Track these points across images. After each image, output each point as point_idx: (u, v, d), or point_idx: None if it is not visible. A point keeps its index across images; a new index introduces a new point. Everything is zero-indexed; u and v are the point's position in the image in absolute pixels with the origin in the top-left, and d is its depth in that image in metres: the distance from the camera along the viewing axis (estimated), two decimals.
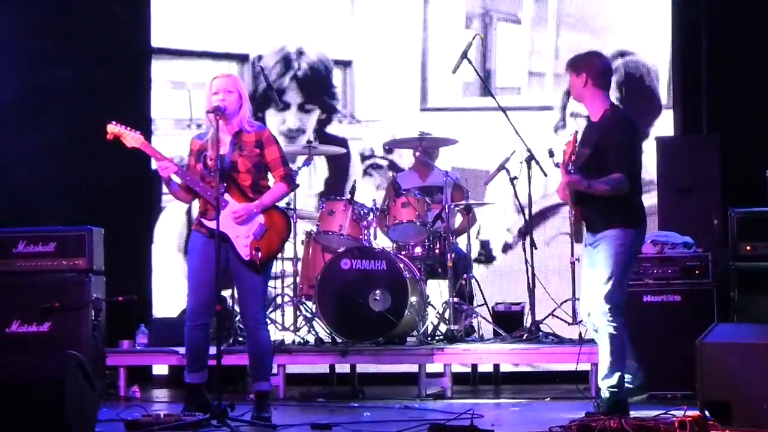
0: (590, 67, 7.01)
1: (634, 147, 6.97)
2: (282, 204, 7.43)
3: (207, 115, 6.84)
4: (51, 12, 10.19)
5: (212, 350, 6.83)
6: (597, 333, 6.85)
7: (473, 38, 9.21)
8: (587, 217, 6.91)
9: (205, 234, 6.84)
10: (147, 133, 7.09)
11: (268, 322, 8.02)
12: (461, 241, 9.39)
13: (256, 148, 6.87)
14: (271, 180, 7.01)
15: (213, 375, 6.80)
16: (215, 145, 6.75)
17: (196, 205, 7.12)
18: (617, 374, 6.73)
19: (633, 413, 6.39)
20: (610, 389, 6.71)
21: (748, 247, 8.04)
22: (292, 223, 8.65)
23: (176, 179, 6.89)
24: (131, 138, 6.95)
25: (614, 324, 6.73)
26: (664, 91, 10.25)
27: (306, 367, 9.11)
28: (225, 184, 6.78)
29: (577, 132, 6.82)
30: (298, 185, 7.27)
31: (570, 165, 6.75)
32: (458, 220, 9.42)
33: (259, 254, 6.77)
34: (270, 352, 7.06)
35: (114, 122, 7.00)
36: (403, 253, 8.98)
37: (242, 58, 10.59)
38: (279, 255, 8.13)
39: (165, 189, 7.19)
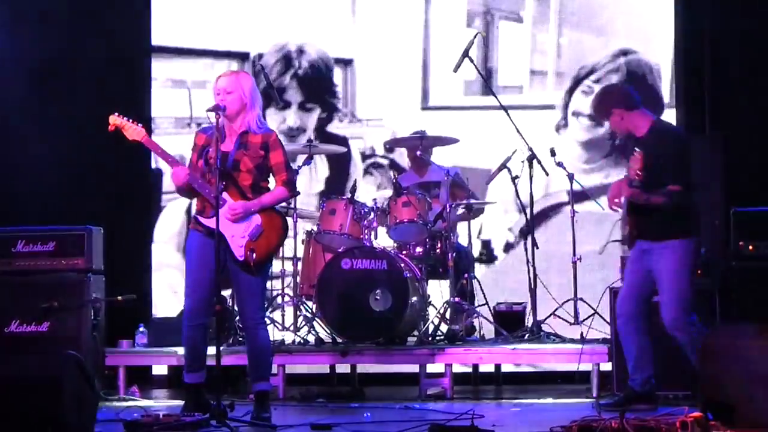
0: (616, 101, 7.29)
1: (687, 157, 7.20)
2: (282, 204, 7.40)
3: (207, 114, 6.80)
4: (52, 10, 10.16)
5: (212, 350, 6.80)
6: (680, 342, 7.15)
7: (474, 37, 9.19)
8: (645, 226, 7.14)
9: (202, 233, 6.82)
10: (147, 132, 7.05)
11: (268, 321, 8.00)
12: (462, 241, 9.36)
13: (261, 150, 6.84)
14: (272, 183, 6.98)
15: (212, 375, 6.77)
16: (216, 143, 6.71)
17: (194, 203, 7.09)
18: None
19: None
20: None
21: (750, 247, 8.02)
22: (291, 224, 8.64)
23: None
24: (133, 130, 6.93)
25: (692, 328, 7.10)
26: (666, 89, 10.23)
27: (306, 367, 9.10)
28: (224, 183, 6.75)
29: (642, 152, 6.88)
30: (298, 192, 7.25)
31: (635, 180, 6.90)
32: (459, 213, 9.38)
33: (254, 255, 6.74)
34: (269, 352, 7.03)
35: (117, 113, 6.97)
36: (404, 252, 8.95)
37: (243, 57, 10.56)
38: (278, 255, 8.10)
39: (165, 188, 7.19)
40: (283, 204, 8.59)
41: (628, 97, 7.33)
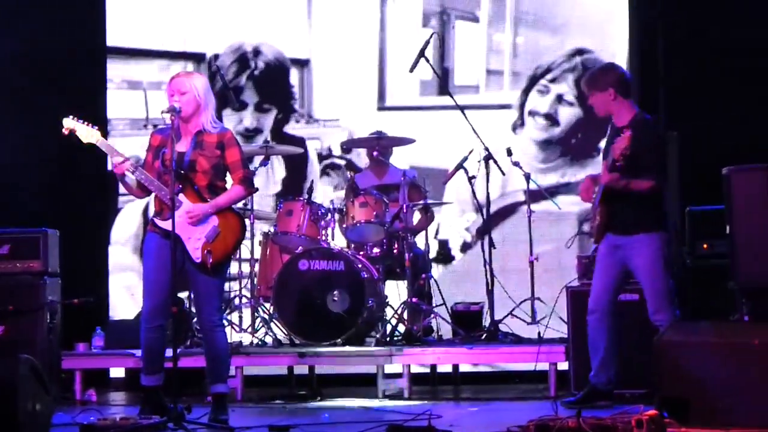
0: (615, 81, 7.29)
1: (665, 151, 7.37)
2: (239, 204, 7.38)
3: (162, 115, 6.76)
4: (5, 10, 10.08)
5: (169, 352, 6.77)
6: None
7: (430, 37, 9.21)
8: (617, 218, 7.17)
9: (159, 234, 6.78)
10: (103, 134, 7.00)
11: (225, 323, 7.97)
12: (419, 241, 9.38)
13: (217, 149, 6.81)
14: (229, 182, 6.96)
15: (170, 377, 6.74)
16: (171, 144, 6.68)
17: (152, 205, 7.05)
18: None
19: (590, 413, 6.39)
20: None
21: (704, 245, 8.07)
22: (249, 224, 8.62)
23: (131, 177, 6.82)
24: (87, 133, 6.87)
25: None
26: None
27: (264, 368, 9.07)
28: (180, 185, 6.72)
29: (630, 133, 6.89)
30: (256, 189, 7.21)
31: (618, 161, 6.94)
32: (416, 218, 9.40)
33: (210, 258, 6.71)
34: (227, 354, 7.00)
35: (71, 116, 6.91)
36: (361, 253, 8.95)
37: (199, 58, 10.53)
38: (235, 256, 8.07)
39: (122, 189, 7.13)
40: (240, 205, 8.58)
41: (627, 84, 7.37)
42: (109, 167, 9.98)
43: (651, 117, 7.42)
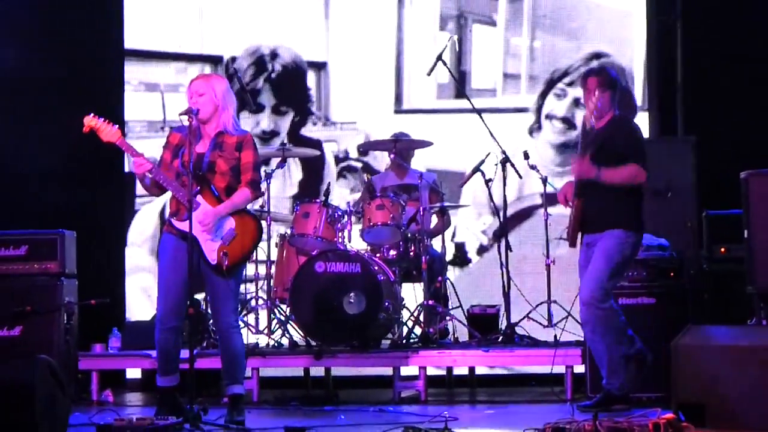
0: (617, 87, 7.43)
1: (644, 146, 7.35)
2: (255, 207, 7.39)
3: (179, 117, 6.77)
4: (25, 13, 10.12)
5: (186, 354, 6.78)
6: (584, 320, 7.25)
7: (448, 41, 9.20)
8: (589, 216, 7.21)
9: (176, 235, 6.78)
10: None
11: (241, 325, 7.97)
12: (436, 244, 9.38)
13: (236, 150, 6.82)
14: None
15: (186, 379, 6.74)
16: (189, 146, 6.68)
17: (168, 206, 7.04)
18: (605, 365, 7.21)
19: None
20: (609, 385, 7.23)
21: (722, 249, 8.05)
22: (265, 227, 8.62)
23: (149, 176, 6.83)
24: (108, 132, 6.87)
25: (602, 311, 7.16)
26: (639, 92, 10.26)
27: (280, 370, 9.07)
28: (198, 187, 6.73)
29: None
30: (263, 193, 7.21)
31: (591, 119, 7.19)
32: (433, 221, 9.40)
33: (226, 260, 6.72)
34: (243, 356, 7.00)
35: (92, 115, 6.92)
36: (378, 255, 8.95)
37: (216, 60, 10.55)
38: (251, 258, 8.08)
39: (139, 190, 7.14)
40: (257, 207, 8.60)
41: (623, 95, 7.52)
42: (127, 168, 10.15)
43: (628, 116, 7.57)
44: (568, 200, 7.37)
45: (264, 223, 8.50)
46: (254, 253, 7.61)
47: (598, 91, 7.31)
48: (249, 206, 6.99)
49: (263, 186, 8.54)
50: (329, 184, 9.24)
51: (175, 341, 6.86)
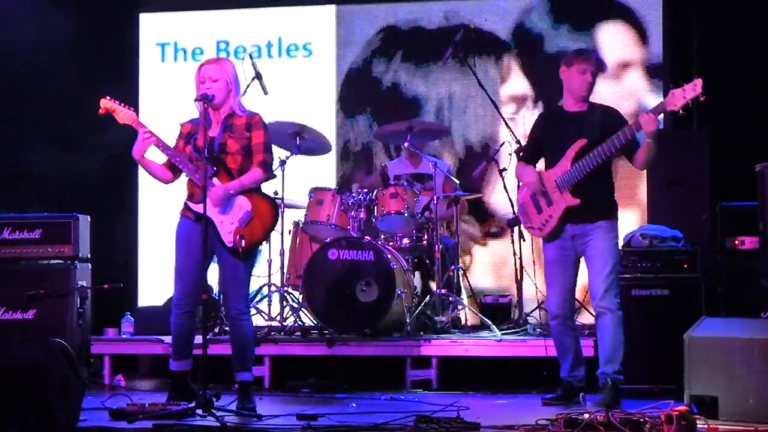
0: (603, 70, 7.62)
1: None
2: (269, 192, 7.38)
3: (195, 103, 6.77)
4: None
5: (198, 339, 6.78)
6: (605, 323, 7.13)
7: (463, 29, 9.17)
8: (581, 207, 7.11)
9: (191, 219, 6.79)
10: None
11: (254, 311, 7.98)
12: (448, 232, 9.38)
13: (246, 131, 6.83)
14: None
15: (199, 364, 6.74)
16: (204, 132, 6.69)
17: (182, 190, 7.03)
18: (619, 360, 7.13)
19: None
20: (616, 374, 7.07)
21: (736, 242, 8.03)
22: (280, 213, 8.61)
23: (159, 158, 6.82)
24: (124, 114, 6.89)
25: (619, 308, 7.12)
26: (655, 84, 10.22)
27: (292, 357, 9.08)
28: (214, 168, 6.74)
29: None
30: (275, 175, 7.20)
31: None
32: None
33: (243, 242, 6.72)
34: (252, 343, 7.00)
35: (108, 97, 6.93)
36: (391, 243, 8.95)
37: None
38: (265, 244, 8.08)
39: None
40: (271, 194, 8.60)
41: None
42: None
43: None
44: (550, 190, 7.25)
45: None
46: (269, 237, 7.59)
47: (596, 73, 7.27)
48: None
49: (278, 172, 8.55)
50: (344, 171, 9.24)
51: (189, 326, 6.89)
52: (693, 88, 6.77)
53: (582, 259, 7.26)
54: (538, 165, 7.45)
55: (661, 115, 7.00)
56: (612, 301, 7.11)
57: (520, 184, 7.53)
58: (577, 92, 7.26)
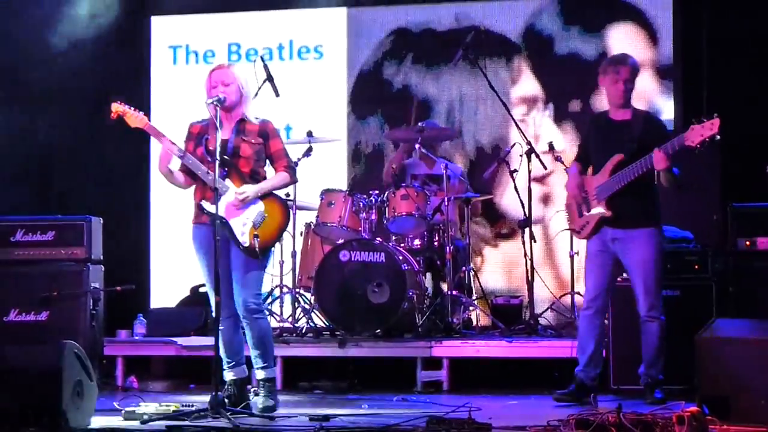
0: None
1: None
2: (281, 194, 7.40)
3: (207, 107, 6.80)
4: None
5: (208, 341, 6.80)
6: (651, 330, 7.23)
7: (472, 32, 9.18)
8: (621, 211, 7.21)
9: (206, 224, 6.77)
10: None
11: (266, 313, 7.97)
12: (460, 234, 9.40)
13: (259, 137, 6.86)
14: (269, 172, 6.99)
15: (212, 364, 6.74)
16: (215, 133, 6.71)
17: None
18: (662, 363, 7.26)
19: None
20: (659, 375, 7.22)
21: (747, 243, 8.03)
22: (292, 214, 8.63)
23: (176, 164, 6.85)
24: (135, 118, 6.91)
25: (663, 317, 7.23)
26: (665, 86, 10.22)
27: (304, 358, 9.09)
28: (226, 169, 6.76)
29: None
30: (297, 180, 7.23)
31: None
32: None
33: (258, 242, 6.75)
34: (270, 339, 7.00)
35: (118, 101, 6.96)
36: (402, 245, 8.97)
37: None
38: (277, 245, 8.10)
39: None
40: (282, 195, 8.61)
41: None
42: (153, 155, 10.18)
43: None
44: (578, 192, 7.34)
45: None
46: (282, 237, 7.61)
47: (632, 78, 7.32)
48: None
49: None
50: (355, 173, 9.26)
51: (235, 330, 6.89)
52: (710, 127, 6.88)
53: (620, 263, 7.34)
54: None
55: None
56: (658, 309, 7.23)
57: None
58: (613, 101, 7.37)
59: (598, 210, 7.28)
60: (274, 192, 6.96)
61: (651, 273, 7.21)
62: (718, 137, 6.86)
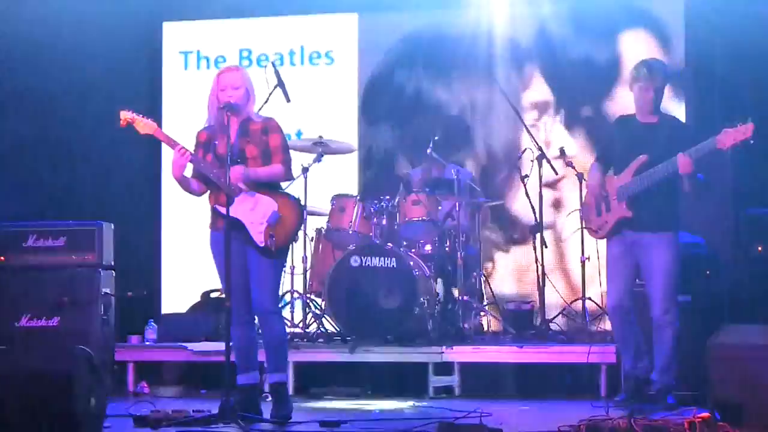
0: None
1: None
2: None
3: (218, 112, 6.80)
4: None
5: (219, 346, 6.79)
6: (665, 336, 7.26)
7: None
8: (642, 215, 7.23)
9: (221, 230, 6.75)
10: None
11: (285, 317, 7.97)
12: (472, 239, 9.38)
13: (263, 135, 6.86)
14: None
15: (223, 370, 6.74)
16: (225, 138, 6.72)
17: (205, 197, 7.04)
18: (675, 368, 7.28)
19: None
20: (671, 380, 7.24)
21: (759, 248, 8.01)
22: (304, 213, 8.63)
23: (189, 170, 6.85)
24: (144, 124, 6.92)
25: (678, 323, 7.24)
26: (678, 89, 10.20)
27: (315, 363, 9.09)
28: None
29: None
30: (293, 177, 7.18)
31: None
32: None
33: (274, 241, 6.75)
34: (285, 342, 7.00)
35: (126, 109, 6.97)
36: (413, 250, 8.96)
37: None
38: (291, 247, 8.09)
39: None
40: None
41: None
42: (164, 162, 10.19)
43: None
44: (611, 196, 7.34)
45: None
46: (297, 237, 7.59)
47: (663, 87, 7.34)
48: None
49: (300, 180, 8.57)
50: (366, 178, 9.26)
51: (250, 336, 6.89)
52: (744, 132, 6.94)
53: (639, 267, 7.35)
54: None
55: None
56: (673, 315, 7.25)
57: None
58: (641, 108, 7.40)
59: (620, 211, 7.27)
60: (285, 191, 6.96)
61: (669, 277, 7.23)
62: (752, 142, 6.85)
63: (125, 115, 6.94)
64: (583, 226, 7.69)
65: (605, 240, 7.52)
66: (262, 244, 6.76)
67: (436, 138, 9.21)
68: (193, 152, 6.82)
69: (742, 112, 9.35)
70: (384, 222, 8.96)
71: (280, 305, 8.74)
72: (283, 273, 7.12)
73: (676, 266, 7.27)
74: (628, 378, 7.46)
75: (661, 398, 7.21)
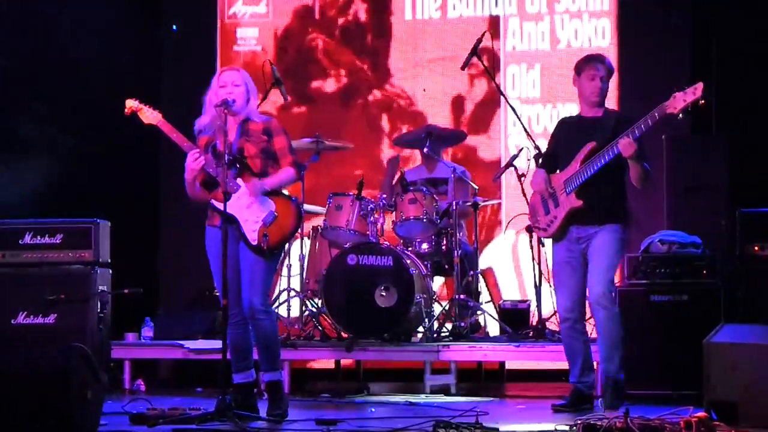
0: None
1: None
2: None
3: (215, 109, 6.80)
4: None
5: (215, 344, 6.79)
6: (600, 319, 7.14)
7: (483, 35, 9.17)
8: (590, 208, 7.11)
9: (218, 226, 6.74)
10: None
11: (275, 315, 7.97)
12: (468, 238, 9.39)
13: (263, 135, 6.85)
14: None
15: (219, 368, 6.74)
16: (223, 135, 6.71)
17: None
18: (618, 358, 7.12)
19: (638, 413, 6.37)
20: (617, 374, 7.09)
21: (755, 248, 8.02)
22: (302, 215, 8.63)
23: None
24: (149, 114, 6.91)
25: (615, 305, 7.16)
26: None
27: (311, 362, 9.11)
28: (237, 166, 6.75)
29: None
30: (302, 178, 7.19)
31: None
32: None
33: (267, 241, 6.74)
34: (277, 340, 6.95)
35: (133, 98, 6.96)
36: (410, 249, 8.96)
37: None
38: (286, 247, 8.10)
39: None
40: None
41: None
42: (162, 158, 10.18)
43: None
44: (558, 191, 7.28)
45: None
46: (293, 238, 7.60)
47: (608, 78, 7.29)
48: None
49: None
50: (362, 177, 9.26)
51: (244, 335, 6.87)
52: (693, 92, 6.75)
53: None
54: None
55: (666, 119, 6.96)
56: (608, 297, 7.11)
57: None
58: (588, 98, 7.30)
59: (569, 202, 7.17)
60: (286, 193, 6.96)
61: (606, 259, 7.10)
62: (702, 102, 6.75)
63: (131, 103, 6.94)
64: (532, 226, 7.59)
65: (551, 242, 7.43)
66: (254, 243, 6.75)
67: (431, 136, 9.22)
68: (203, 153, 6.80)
69: (740, 114, 9.43)
70: (381, 220, 8.96)
71: (273, 305, 8.78)
72: (276, 272, 7.10)
73: (616, 252, 7.15)
74: (573, 389, 7.34)
75: (611, 398, 7.08)
